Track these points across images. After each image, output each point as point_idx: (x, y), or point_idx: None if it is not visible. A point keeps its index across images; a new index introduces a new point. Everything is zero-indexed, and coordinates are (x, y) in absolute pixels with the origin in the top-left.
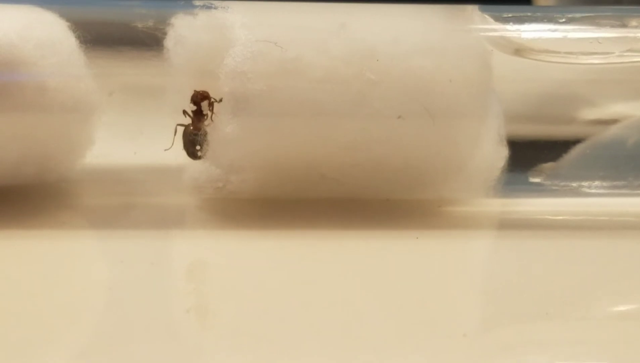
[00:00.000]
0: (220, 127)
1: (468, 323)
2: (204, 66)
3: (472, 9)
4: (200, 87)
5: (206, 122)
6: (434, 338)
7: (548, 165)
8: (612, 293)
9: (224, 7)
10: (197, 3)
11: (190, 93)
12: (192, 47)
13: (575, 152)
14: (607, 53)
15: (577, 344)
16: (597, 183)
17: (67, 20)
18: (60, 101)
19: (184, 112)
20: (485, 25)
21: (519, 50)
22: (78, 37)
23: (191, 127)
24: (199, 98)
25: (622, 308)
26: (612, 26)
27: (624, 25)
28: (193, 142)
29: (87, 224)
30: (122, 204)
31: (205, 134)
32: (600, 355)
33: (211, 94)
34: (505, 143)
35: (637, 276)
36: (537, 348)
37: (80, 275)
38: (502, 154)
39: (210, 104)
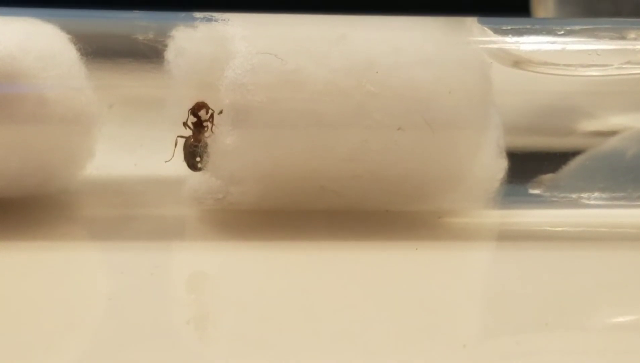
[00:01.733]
0: (221, 139)
1: (468, 334)
2: (204, 78)
3: (471, 21)
4: (200, 99)
5: (206, 134)
6: (434, 348)
7: (547, 177)
8: (612, 304)
9: (224, 20)
10: (198, 15)
11: (190, 105)
12: (192, 60)
13: (574, 164)
14: (606, 65)
15: (576, 355)
16: (596, 194)
17: (68, 32)
18: (60, 113)
19: (185, 124)
20: (484, 38)
21: (518, 62)
22: (79, 50)
23: (191, 139)
24: (198, 108)
25: (621, 319)
26: (611, 38)
27: (622, 38)
28: (193, 154)
29: (87, 235)
30: (122, 215)
31: (206, 145)
32: None
33: (211, 106)
34: (504, 154)
35: (637, 287)
36: (537, 359)
37: (80, 285)
38: (502, 165)
39: (210, 116)
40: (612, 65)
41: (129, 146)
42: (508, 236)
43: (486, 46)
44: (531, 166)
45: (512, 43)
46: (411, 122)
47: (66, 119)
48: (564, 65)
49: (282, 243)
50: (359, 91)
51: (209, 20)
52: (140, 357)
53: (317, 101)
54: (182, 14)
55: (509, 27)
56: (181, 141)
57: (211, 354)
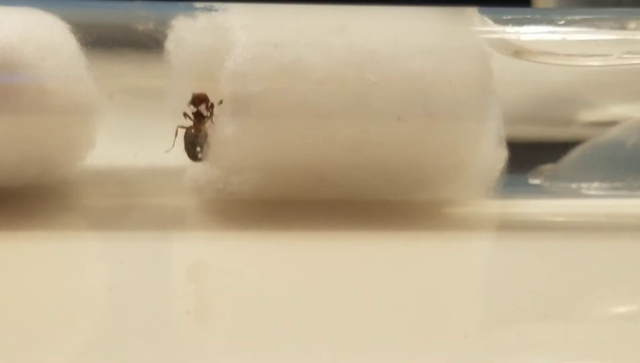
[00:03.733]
0: (221, 129)
1: (468, 325)
2: (204, 68)
3: (472, 11)
4: (200, 90)
5: (207, 124)
6: (434, 339)
7: (547, 167)
8: (612, 295)
9: (224, 9)
10: (198, 5)
11: (190, 95)
12: (192, 49)
13: (574, 154)
14: (606, 55)
15: (576, 345)
16: (596, 184)
17: (68, 22)
18: (60, 103)
19: (185, 114)
20: (484, 28)
21: (518, 52)
22: (79, 40)
23: (192, 129)
24: (199, 100)
25: (621, 309)
26: (611, 28)
27: (623, 27)
28: (193, 144)
29: (87, 225)
30: (122, 205)
31: (206, 135)
32: (599, 356)
33: (211, 96)
34: (504, 144)
35: (637, 277)
36: (537, 349)
37: (80, 276)
38: (502, 155)
39: (210, 106)
40: (612, 55)
41: (129, 136)
42: (508, 226)
43: (486, 35)
44: (531, 156)
45: (513, 33)
46: (411, 112)
47: (66, 110)
48: (565, 55)
49: (282, 233)
50: (359, 80)
51: (209, 10)
52: (140, 347)
53: (317, 91)
54: (182, 4)
55: (510, 17)
56: (181, 131)
57: (211, 344)
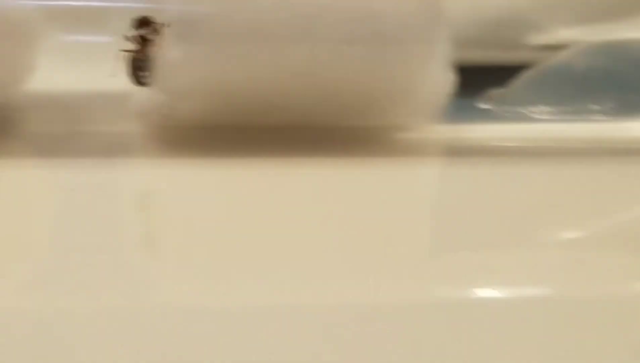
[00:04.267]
0: (166, 53)
1: (417, 251)
2: None
3: None
4: (144, 12)
5: (152, 48)
6: (383, 265)
7: (496, 91)
8: (559, 219)
9: None
10: None
11: (135, 18)
12: None
13: (523, 78)
14: None
15: (523, 270)
16: (544, 108)
17: None
18: None
19: (128, 37)
20: None
21: None
22: None
23: (136, 53)
24: (143, 24)
25: (569, 234)
26: None
27: None
28: (138, 68)
29: (31, 152)
30: (66, 131)
31: (151, 60)
32: (546, 281)
33: (157, 19)
34: (453, 68)
35: (584, 201)
36: (484, 275)
37: (25, 204)
38: (450, 80)
39: (156, 30)
40: None
41: (72, 61)
42: (456, 151)
43: None
44: (479, 80)
45: None
46: (359, 36)
47: (4, 32)
48: None
49: (229, 159)
50: (306, 4)
51: None
52: (88, 277)
53: (265, 15)
54: None
55: None
56: (126, 55)
57: (160, 273)
